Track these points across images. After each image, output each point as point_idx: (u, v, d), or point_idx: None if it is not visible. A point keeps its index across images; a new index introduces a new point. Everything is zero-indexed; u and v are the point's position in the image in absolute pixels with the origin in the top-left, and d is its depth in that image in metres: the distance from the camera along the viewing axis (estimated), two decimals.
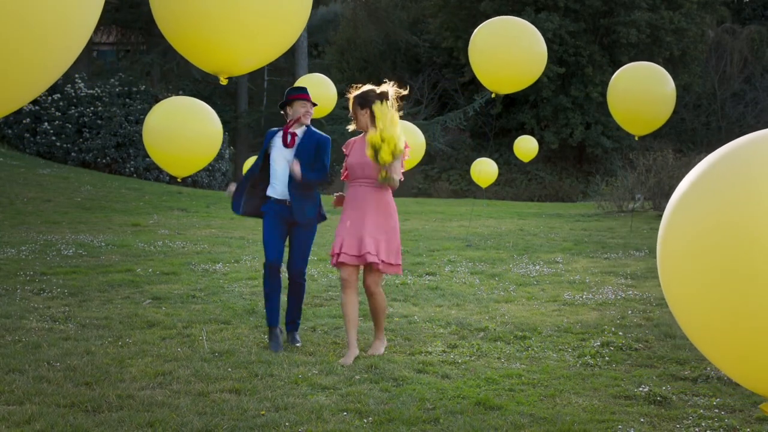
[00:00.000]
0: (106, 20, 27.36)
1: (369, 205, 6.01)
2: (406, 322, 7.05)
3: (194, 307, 7.55)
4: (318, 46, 38.05)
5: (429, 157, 31.70)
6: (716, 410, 4.87)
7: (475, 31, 8.18)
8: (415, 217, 18.16)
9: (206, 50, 3.97)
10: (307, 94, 6.50)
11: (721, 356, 3.04)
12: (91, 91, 24.42)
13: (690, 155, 22.44)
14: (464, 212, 18.53)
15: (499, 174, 21.71)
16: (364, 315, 7.23)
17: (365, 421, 4.60)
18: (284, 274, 6.51)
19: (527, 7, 30.90)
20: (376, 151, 5.74)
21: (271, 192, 6.39)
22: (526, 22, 8.17)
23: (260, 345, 6.21)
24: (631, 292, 8.53)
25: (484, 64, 7.99)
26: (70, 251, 10.55)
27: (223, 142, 20.03)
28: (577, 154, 33.16)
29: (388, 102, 6.00)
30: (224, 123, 9.22)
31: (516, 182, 31.36)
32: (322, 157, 6.34)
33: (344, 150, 6.27)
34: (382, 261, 5.96)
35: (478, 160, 18.70)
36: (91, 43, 28.82)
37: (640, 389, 5.20)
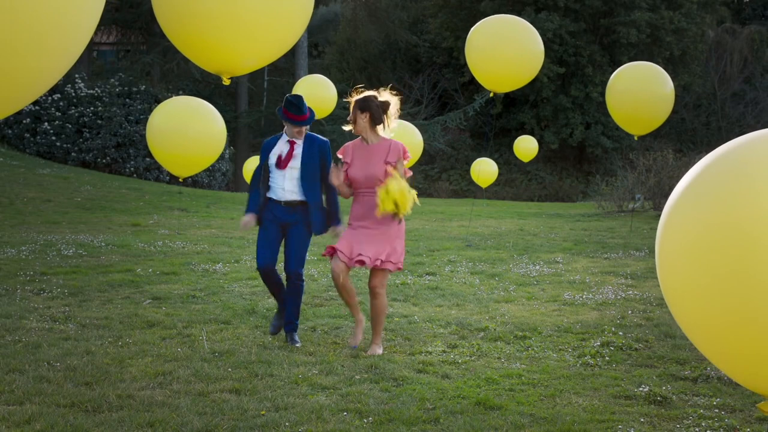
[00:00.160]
0: (106, 20, 27.37)
1: (374, 213, 6.02)
2: (406, 322, 7.05)
3: (194, 307, 7.55)
4: (318, 46, 38.05)
5: (429, 157, 31.71)
6: (716, 410, 4.87)
7: (472, 30, 8.16)
8: (415, 217, 18.17)
9: (208, 50, 3.97)
10: (301, 115, 6.35)
11: (719, 354, 3.04)
12: (91, 91, 24.42)
13: (690, 155, 22.45)
14: (464, 212, 18.53)
15: (499, 174, 21.73)
16: (364, 315, 7.22)
17: (365, 421, 4.60)
18: (283, 274, 6.53)
19: (527, 7, 30.91)
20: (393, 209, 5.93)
21: (272, 195, 6.41)
22: (523, 20, 8.15)
23: (260, 345, 6.21)
24: (631, 292, 8.53)
25: (480, 62, 7.98)
26: (70, 251, 10.55)
27: None
28: (577, 154, 33.17)
29: (382, 120, 6.14)
30: (224, 123, 9.20)
31: (516, 182, 31.37)
32: (328, 160, 6.40)
33: (340, 155, 6.27)
34: (382, 260, 6.00)
35: (478, 160, 18.72)
36: (91, 43, 28.82)
37: (640, 389, 5.21)
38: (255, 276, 9.16)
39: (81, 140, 23.92)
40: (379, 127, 6.15)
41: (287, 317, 6.41)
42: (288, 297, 6.42)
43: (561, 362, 5.90)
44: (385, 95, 6.18)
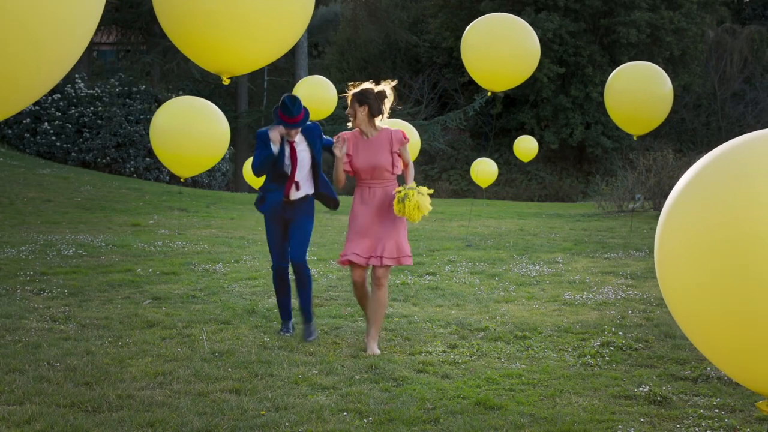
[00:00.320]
0: (106, 20, 27.37)
1: (380, 206, 6.17)
2: (406, 322, 7.05)
3: (194, 307, 7.55)
4: (318, 46, 38.05)
5: (429, 157, 31.73)
6: (716, 410, 4.87)
7: (467, 28, 8.15)
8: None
9: (209, 50, 3.97)
10: (296, 117, 6.39)
11: (718, 353, 3.04)
12: (91, 91, 24.42)
13: (690, 155, 22.45)
14: (464, 212, 18.53)
15: (499, 174, 21.73)
16: (364, 315, 7.23)
17: (365, 421, 4.60)
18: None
19: (527, 7, 30.91)
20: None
21: (271, 191, 6.52)
22: (519, 18, 8.13)
23: (260, 345, 6.22)
24: (631, 292, 8.53)
25: (476, 61, 7.97)
26: (70, 251, 10.55)
27: None
28: (577, 154, 33.17)
29: (381, 111, 6.22)
30: (228, 124, 9.22)
31: (516, 182, 31.37)
32: (326, 140, 6.57)
33: (338, 145, 6.28)
34: (391, 258, 6.13)
35: (478, 160, 18.71)
36: (91, 43, 28.82)
37: (640, 389, 5.21)
38: (255, 276, 9.17)
39: (81, 140, 23.92)
40: (377, 118, 6.20)
41: (303, 306, 6.56)
42: (299, 289, 6.58)
43: (561, 362, 5.90)
44: (382, 86, 6.26)
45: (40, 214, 14.84)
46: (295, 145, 6.46)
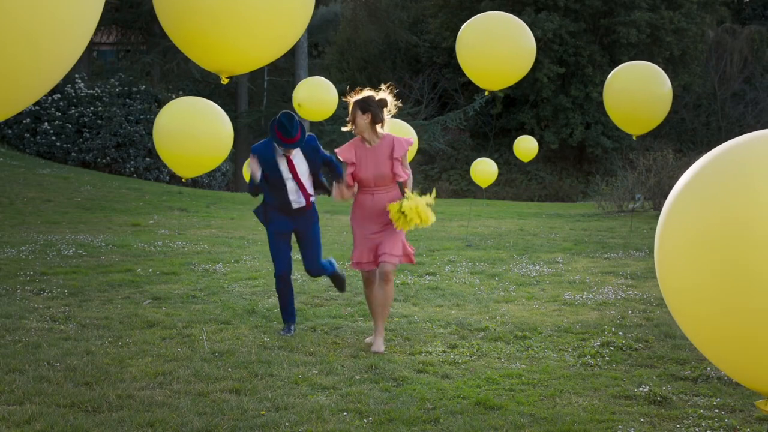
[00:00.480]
0: (106, 20, 27.36)
1: (384, 211, 6.23)
2: (406, 322, 7.05)
3: (194, 307, 7.55)
4: (318, 46, 38.04)
5: (429, 157, 31.72)
6: (716, 410, 4.87)
7: (462, 27, 8.14)
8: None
9: (209, 49, 3.96)
10: (294, 137, 6.44)
11: (718, 352, 3.05)
12: (91, 91, 24.42)
13: (690, 155, 22.44)
14: (464, 212, 18.53)
15: (499, 174, 21.72)
16: (364, 315, 7.24)
17: (365, 421, 4.60)
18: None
19: (527, 7, 30.90)
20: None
21: (274, 207, 6.64)
22: (514, 17, 8.10)
23: (260, 345, 6.22)
24: (631, 292, 8.53)
25: (471, 60, 7.95)
26: (70, 251, 10.55)
27: None
28: (577, 154, 33.17)
29: (383, 118, 6.28)
30: (232, 126, 9.24)
31: (516, 182, 31.37)
32: (322, 153, 6.66)
33: (342, 157, 6.32)
34: (398, 255, 6.26)
35: (478, 160, 18.70)
36: (91, 43, 28.81)
37: (640, 389, 5.21)
38: (255, 276, 9.17)
39: (81, 140, 23.92)
40: (378, 126, 6.23)
41: (337, 285, 7.10)
42: (330, 279, 7.05)
43: (561, 362, 5.90)
44: (381, 93, 6.29)
45: (40, 214, 14.84)
46: (291, 157, 6.52)
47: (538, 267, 10.24)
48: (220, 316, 7.16)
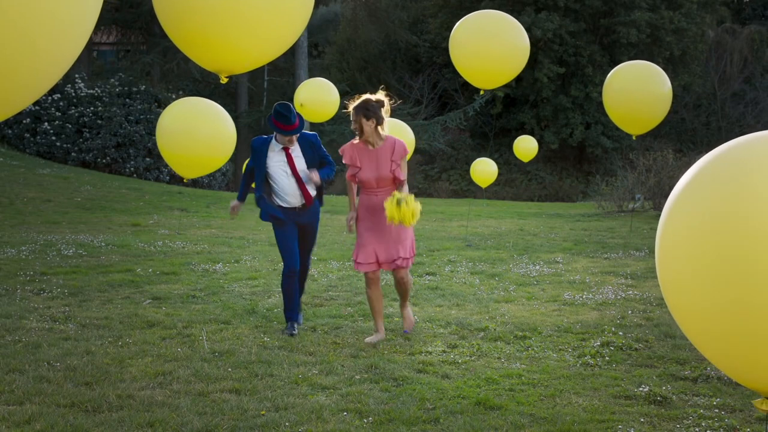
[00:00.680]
0: (106, 20, 27.36)
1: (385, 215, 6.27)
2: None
3: (194, 307, 7.55)
4: (318, 46, 38.02)
5: (429, 157, 31.71)
6: (716, 410, 4.87)
7: (456, 26, 8.13)
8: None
9: (209, 48, 3.96)
10: (290, 124, 6.49)
11: (718, 352, 3.05)
12: (91, 91, 24.42)
13: (690, 155, 22.43)
14: (464, 212, 18.53)
15: (499, 174, 21.71)
16: (364, 315, 7.25)
17: (365, 421, 4.60)
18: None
19: (527, 7, 30.89)
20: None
21: (282, 202, 6.70)
22: (508, 15, 8.08)
23: (260, 345, 6.22)
24: (631, 292, 8.53)
25: (464, 59, 7.94)
26: (70, 251, 10.55)
27: None
28: (577, 154, 33.16)
29: (384, 119, 6.37)
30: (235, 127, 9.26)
31: (516, 182, 31.36)
32: (322, 152, 6.73)
33: (346, 159, 6.41)
34: (408, 257, 6.42)
35: (478, 160, 18.70)
36: (91, 43, 28.83)
37: (640, 389, 5.21)
38: (255, 276, 9.17)
39: (81, 140, 23.92)
40: (380, 127, 6.34)
41: (297, 302, 6.82)
42: (302, 284, 6.93)
43: (561, 362, 5.90)
44: (377, 95, 6.39)
45: (40, 214, 14.84)
46: (290, 151, 6.56)
47: (538, 267, 10.24)
48: (220, 316, 7.16)
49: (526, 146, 19.69)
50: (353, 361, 5.81)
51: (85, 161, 23.85)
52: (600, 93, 29.44)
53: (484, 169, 18.16)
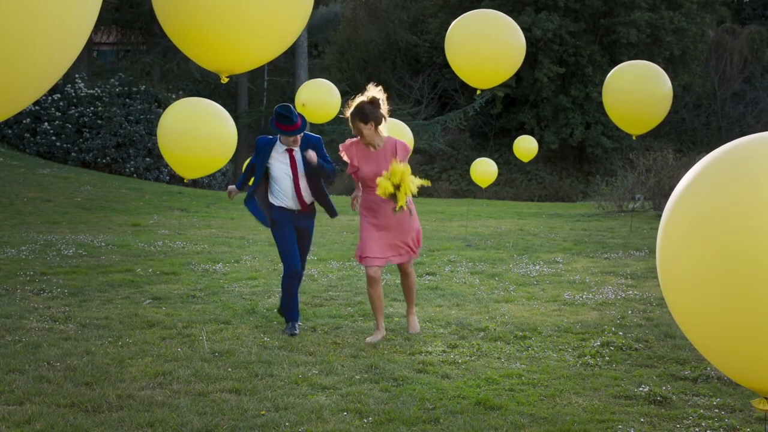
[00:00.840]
0: (106, 20, 27.37)
1: (389, 209, 6.29)
2: (407, 322, 7.04)
3: (194, 307, 7.55)
4: (318, 46, 38.03)
5: (429, 157, 31.70)
6: (716, 410, 4.87)
7: (451, 25, 8.12)
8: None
9: (208, 48, 3.96)
10: (292, 125, 6.48)
11: (719, 353, 3.05)
12: (91, 91, 24.42)
13: (690, 155, 22.43)
14: (464, 212, 18.53)
15: (499, 174, 21.71)
16: (364, 315, 7.25)
17: (365, 421, 4.60)
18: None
19: (527, 7, 30.89)
20: (392, 194, 6.10)
21: (279, 202, 6.70)
22: (503, 15, 8.06)
23: (260, 345, 6.22)
24: (631, 292, 8.53)
25: (459, 59, 7.93)
26: (70, 251, 10.55)
27: None
28: (577, 154, 33.17)
29: (384, 117, 6.34)
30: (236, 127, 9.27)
31: (516, 182, 31.37)
32: (322, 154, 6.69)
33: (344, 155, 6.41)
34: (413, 251, 6.47)
35: (478, 160, 18.70)
36: (91, 43, 28.84)
37: (640, 389, 5.21)
38: (255, 276, 9.17)
39: (81, 140, 23.92)
40: (381, 127, 6.31)
41: (295, 306, 6.77)
42: (296, 289, 6.81)
43: (561, 362, 5.90)
44: (369, 93, 6.33)
45: (40, 214, 14.84)
46: (294, 154, 6.57)
47: (538, 267, 10.24)
48: (220, 316, 7.16)
49: (526, 146, 19.69)
50: (353, 361, 5.81)
51: (85, 161, 23.85)
52: (600, 93, 29.52)
53: (484, 169, 18.16)
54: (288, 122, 6.43)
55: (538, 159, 28.53)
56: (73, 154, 23.71)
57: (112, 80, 25.41)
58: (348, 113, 6.34)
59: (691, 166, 3.19)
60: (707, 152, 3.18)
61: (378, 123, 6.28)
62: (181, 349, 6.03)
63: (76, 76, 24.62)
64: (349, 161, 6.39)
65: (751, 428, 4.60)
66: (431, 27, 33.42)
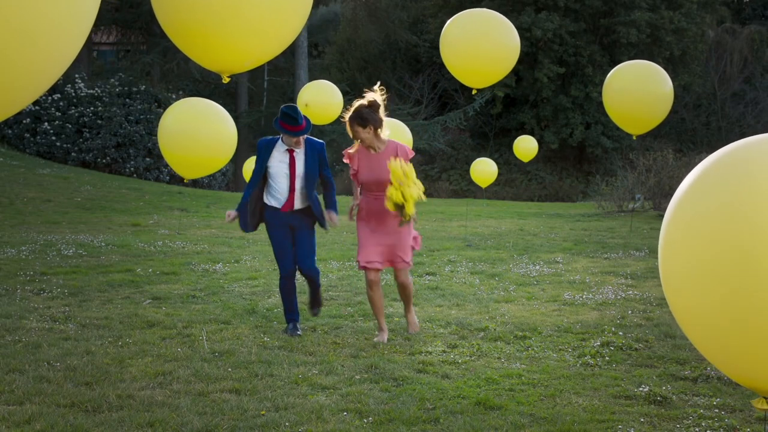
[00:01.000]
0: (106, 20, 27.38)
1: (388, 213, 6.33)
2: (407, 322, 7.04)
3: (194, 307, 7.55)
4: (318, 46, 38.02)
5: (429, 157, 31.70)
6: (716, 410, 4.87)
7: (446, 25, 8.11)
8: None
9: (208, 47, 3.95)
10: (297, 125, 6.46)
11: (721, 354, 3.05)
12: (91, 91, 24.42)
13: (690, 155, 22.44)
14: (464, 212, 18.53)
15: (499, 174, 21.72)
16: (364, 315, 7.25)
17: (365, 421, 4.60)
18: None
19: (527, 7, 30.89)
20: (399, 206, 6.13)
21: (273, 202, 6.63)
22: (498, 14, 8.05)
23: (260, 345, 6.22)
24: (631, 292, 8.53)
25: (454, 58, 7.93)
26: (70, 251, 10.55)
27: None
28: (577, 154, 33.17)
29: (383, 120, 6.33)
30: (235, 127, 9.28)
31: (516, 182, 31.37)
32: (324, 163, 6.66)
33: (347, 160, 6.42)
34: (407, 261, 6.50)
35: (478, 160, 18.71)
36: (91, 43, 28.84)
37: (640, 389, 5.21)
38: (255, 276, 9.17)
39: (81, 140, 23.92)
40: (380, 130, 6.28)
41: (313, 304, 6.88)
42: (310, 288, 6.85)
43: (561, 362, 5.90)
44: (368, 96, 6.31)
45: (40, 214, 14.84)
46: (295, 155, 6.54)
47: (538, 267, 10.24)
48: (220, 316, 7.16)
49: (526, 146, 19.69)
50: (353, 361, 5.81)
51: (85, 161, 23.85)
52: (600, 93, 29.52)
53: (484, 169, 18.17)
54: (293, 123, 6.41)
55: (538, 159, 28.53)
56: (73, 154, 23.71)
57: (112, 80, 25.41)
58: (346, 117, 6.34)
59: (691, 166, 3.19)
60: (707, 152, 3.20)
61: (377, 127, 6.26)
62: (181, 349, 6.03)
63: (76, 76, 24.62)
64: (351, 166, 6.41)
65: (751, 428, 4.60)
66: (431, 27, 33.41)
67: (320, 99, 11.36)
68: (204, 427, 4.46)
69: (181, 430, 4.43)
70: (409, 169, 6.17)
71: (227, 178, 26.63)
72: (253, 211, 6.63)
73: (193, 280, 8.92)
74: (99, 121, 23.94)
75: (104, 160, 23.84)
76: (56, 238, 11.80)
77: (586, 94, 31.21)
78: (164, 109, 11.96)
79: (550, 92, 31.02)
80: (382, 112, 6.32)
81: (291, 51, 27.79)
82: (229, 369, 5.54)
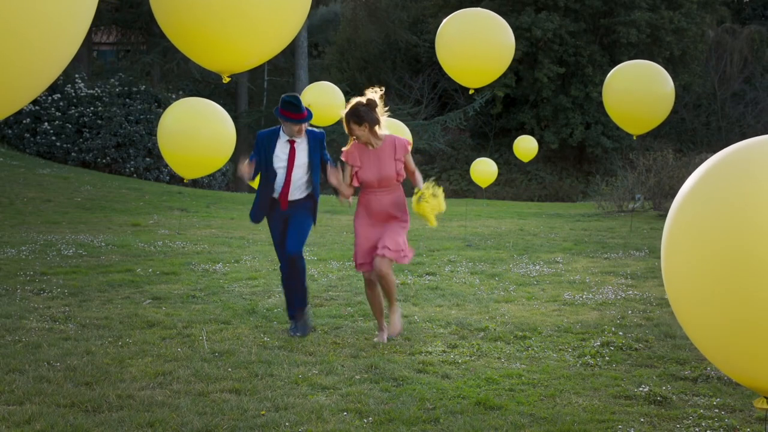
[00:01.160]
0: (106, 20, 27.39)
1: (388, 211, 6.36)
2: (406, 322, 7.05)
3: (194, 307, 7.55)
4: (318, 46, 38.03)
5: (429, 157, 31.71)
6: (716, 410, 4.87)
7: (442, 24, 8.11)
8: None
9: (207, 47, 3.96)
10: (300, 113, 6.45)
11: (723, 354, 3.05)
12: (91, 91, 24.42)
13: (690, 155, 22.43)
14: (464, 212, 18.53)
15: (499, 174, 21.74)
16: (364, 315, 7.25)
17: (365, 421, 4.60)
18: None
19: (527, 7, 30.90)
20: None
21: (273, 194, 6.67)
22: (493, 14, 8.05)
23: (260, 345, 6.22)
24: (631, 292, 8.53)
25: (449, 58, 7.93)
26: (70, 251, 10.55)
27: None
28: (577, 154, 33.17)
29: (379, 119, 6.32)
30: (234, 127, 9.28)
31: (516, 182, 31.38)
32: (324, 152, 6.67)
33: (346, 159, 6.39)
34: (390, 249, 6.27)
35: (478, 160, 18.72)
36: (91, 43, 28.84)
37: (640, 389, 5.21)
38: (255, 276, 9.17)
39: (81, 140, 23.92)
40: (377, 128, 6.28)
41: (297, 303, 6.58)
42: (291, 283, 6.56)
43: (561, 362, 5.90)
44: (367, 94, 6.34)
45: (40, 214, 14.84)
46: (295, 144, 6.54)
47: (538, 267, 10.24)
48: (220, 316, 7.16)
49: (526, 146, 19.70)
50: (353, 361, 5.81)
51: (85, 161, 23.85)
52: (600, 93, 29.52)
53: (484, 169, 18.18)
54: (296, 110, 6.40)
55: (538, 159, 28.54)
56: (73, 154, 23.71)
57: (112, 80, 25.41)
58: (342, 114, 6.34)
59: (690, 166, 3.20)
60: (707, 152, 3.20)
61: (372, 125, 6.25)
62: (181, 349, 6.03)
63: (76, 76, 24.62)
64: (351, 164, 6.37)
65: (751, 428, 4.60)
66: (431, 27, 33.40)
67: (322, 100, 11.37)
68: (204, 427, 4.46)
69: (181, 430, 4.43)
70: (439, 192, 6.26)
71: (227, 178, 26.64)
72: (263, 204, 6.65)
73: (193, 280, 8.92)
74: (99, 121, 23.94)
75: (104, 160, 23.84)
76: (56, 238, 11.80)
77: (586, 94, 31.21)
78: (164, 109, 11.94)
79: (550, 92, 31.02)
80: (380, 111, 6.32)
81: (291, 51, 27.81)
82: (229, 369, 5.54)
